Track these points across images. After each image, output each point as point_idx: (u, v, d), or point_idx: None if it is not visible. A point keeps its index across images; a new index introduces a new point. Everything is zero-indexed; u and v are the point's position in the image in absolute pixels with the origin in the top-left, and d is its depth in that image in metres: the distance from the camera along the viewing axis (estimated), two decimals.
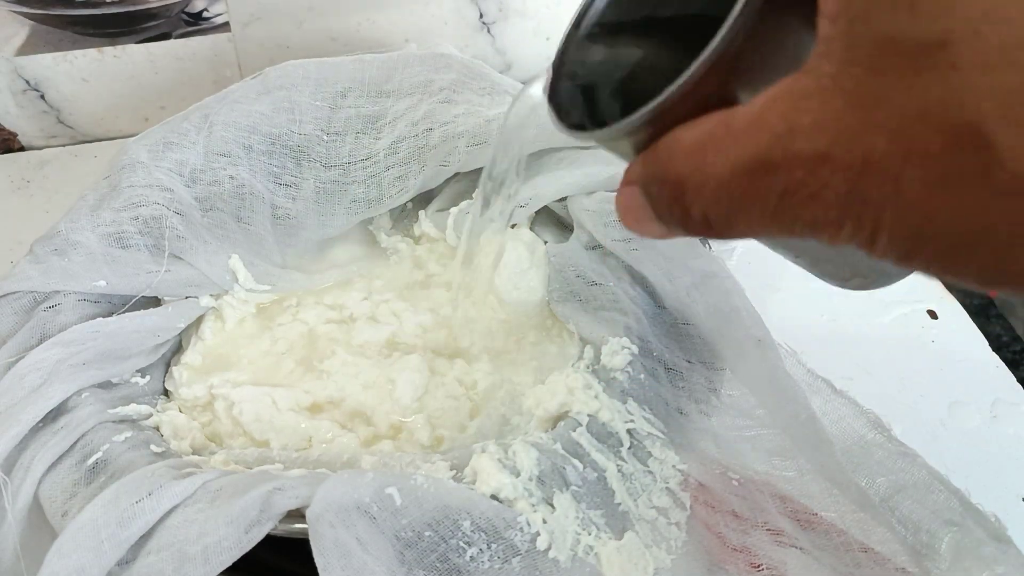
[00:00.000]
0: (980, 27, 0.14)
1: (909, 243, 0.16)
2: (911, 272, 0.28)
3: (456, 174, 0.47)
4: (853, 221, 0.17)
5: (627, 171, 0.22)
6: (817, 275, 0.30)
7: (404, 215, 0.51)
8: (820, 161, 0.17)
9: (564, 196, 0.45)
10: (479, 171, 0.39)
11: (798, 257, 0.29)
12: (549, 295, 0.44)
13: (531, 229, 0.48)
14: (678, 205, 0.20)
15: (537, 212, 0.47)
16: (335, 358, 0.43)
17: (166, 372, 0.44)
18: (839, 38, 0.17)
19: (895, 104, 0.16)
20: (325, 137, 0.48)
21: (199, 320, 0.45)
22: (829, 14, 0.17)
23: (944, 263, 0.16)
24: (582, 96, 0.26)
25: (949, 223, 0.16)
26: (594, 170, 0.44)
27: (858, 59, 0.16)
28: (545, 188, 0.44)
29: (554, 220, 0.48)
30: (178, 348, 0.45)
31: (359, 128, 0.48)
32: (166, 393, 0.43)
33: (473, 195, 0.46)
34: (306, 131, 0.48)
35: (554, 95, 0.26)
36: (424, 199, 0.50)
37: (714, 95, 0.20)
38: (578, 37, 0.26)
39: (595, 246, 0.42)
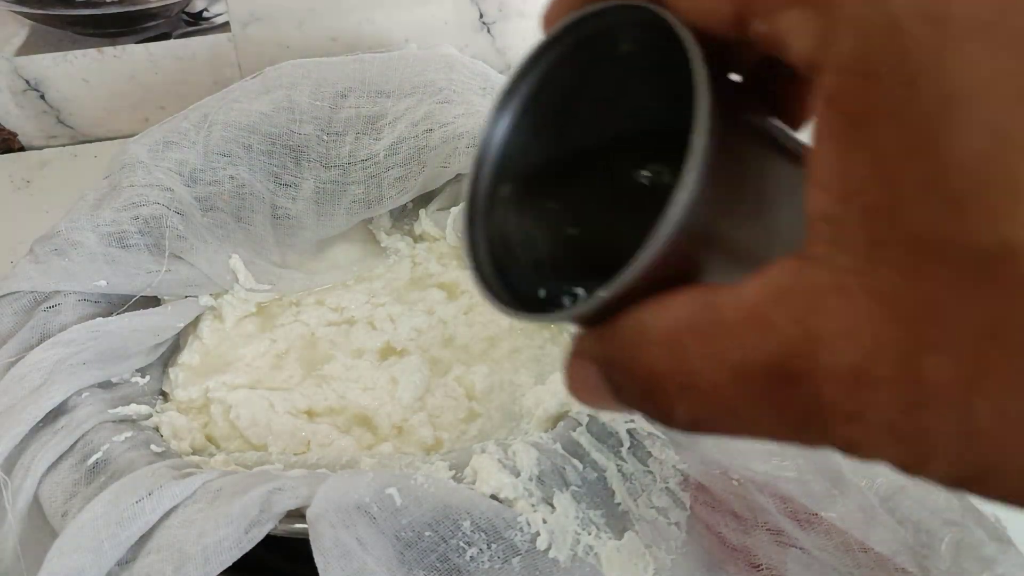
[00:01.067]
0: None
1: (969, 475, 0.14)
2: None
3: (457, 175, 0.47)
4: (904, 448, 0.14)
5: (578, 342, 0.19)
6: None
7: (404, 214, 0.51)
8: (858, 380, 0.14)
9: None
10: None
11: None
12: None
13: None
14: (652, 401, 0.17)
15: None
16: (335, 361, 0.43)
17: (164, 373, 0.44)
18: (854, 226, 0.14)
19: (952, 321, 0.13)
20: (325, 137, 0.48)
21: (197, 320, 0.45)
22: (830, 188, 0.14)
23: (1009, 496, 0.14)
24: (503, 250, 0.22)
25: None
26: None
27: (887, 259, 0.14)
28: None
29: None
30: (175, 349, 0.45)
31: (359, 128, 0.48)
32: (164, 394, 0.43)
33: None
34: (306, 131, 0.48)
35: (475, 254, 0.22)
36: (425, 198, 0.50)
37: (679, 267, 0.17)
38: (483, 180, 0.23)
39: None
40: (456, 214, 0.48)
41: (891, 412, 0.14)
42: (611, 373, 0.18)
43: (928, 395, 0.14)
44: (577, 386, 0.19)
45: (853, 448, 0.15)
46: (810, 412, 0.15)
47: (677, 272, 0.17)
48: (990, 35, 0.13)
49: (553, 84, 0.22)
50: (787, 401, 0.15)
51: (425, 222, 0.50)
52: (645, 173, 0.22)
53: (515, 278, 0.22)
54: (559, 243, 0.23)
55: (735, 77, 0.19)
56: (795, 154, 0.18)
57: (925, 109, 0.13)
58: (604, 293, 0.17)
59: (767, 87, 0.19)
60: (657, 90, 0.19)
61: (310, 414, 0.41)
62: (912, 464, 0.14)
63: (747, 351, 0.15)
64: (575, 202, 0.24)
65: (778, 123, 0.19)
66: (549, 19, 0.21)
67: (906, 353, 0.14)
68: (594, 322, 0.18)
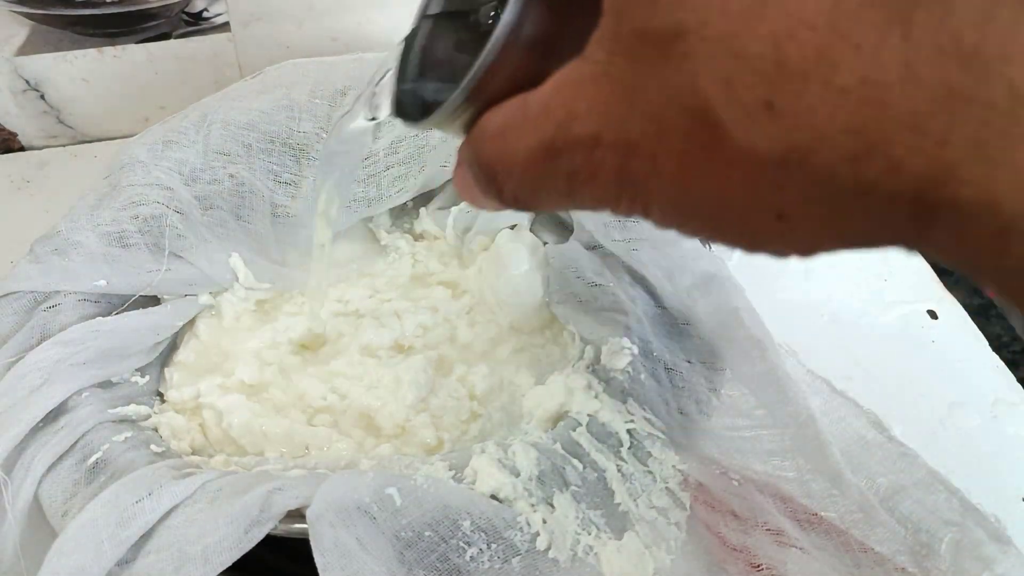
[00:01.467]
0: (705, 18, 0.16)
1: (676, 215, 0.18)
2: None
3: None
4: (628, 197, 0.19)
5: (459, 151, 0.24)
6: None
7: (404, 213, 0.51)
8: (593, 144, 0.18)
9: None
10: None
11: None
12: (549, 296, 0.44)
13: (531, 230, 0.48)
14: (492, 186, 0.22)
15: (537, 212, 0.47)
16: (339, 359, 0.43)
17: (161, 373, 0.44)
18: (608, 28, 0.18)
19: (650, 91, 0.17)
20: (324, 135, 0.48)
21: (195, 318, 0.45)
22: (607, 4, 0.19)
23: (709, 231, 0.18)
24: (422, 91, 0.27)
25: (702, 195, 0.18)
26: None
27: (621, 49, 0.18)
28: None
29: (555, 220, 0.48)
30: (173, 349, 0.45)
31: None
32: (161, 395, 0.43)
33: None
34: (305, 129, 0.48)
35: (403, 67, 0.27)
36: (425, 197, 0.50)
37: (519, 72, 0.21)
38: (419, 29, 0.27)
39: (595, 246, 0.42)
40: (456, 213, 0.48)
41: (614, 167, 0.18)
42: (471, 167, 0.22)
43: (632, 150, 0.18)
44: (460, 187, 0.24)
45: (602, 203, 0.19)
46: (571, 177, 0.19)
47: (513, 83, 0.21)
48: None
49: None
50: (558, 169, 0.19)
51: (425, 221, 0.50)
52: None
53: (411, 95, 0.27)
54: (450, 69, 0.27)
55: None
56: None
57: None
58: (452, 98, 0.21)
59: None
60: None
61: (308, 416, 0.41)
62: (641, 211, 0.19)
63: (536, 133, 0.20)
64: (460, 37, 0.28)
65: None
66: None
67: (622, 119, 0.18)
68: (463, 131, 0.23)
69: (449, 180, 0.48)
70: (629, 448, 0.35)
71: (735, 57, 0.16)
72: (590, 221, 0.42)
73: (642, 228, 0.40)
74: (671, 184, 0.18)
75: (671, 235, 0.38)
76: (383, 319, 0.45)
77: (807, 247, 0.18)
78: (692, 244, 0.39)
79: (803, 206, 0.16)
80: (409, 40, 0.28)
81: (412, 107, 0.26)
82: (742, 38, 0.16)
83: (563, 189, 0.20)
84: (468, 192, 0.24)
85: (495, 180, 0.21)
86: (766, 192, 0.17)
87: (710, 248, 0.42)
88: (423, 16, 0.28)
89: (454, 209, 0.48)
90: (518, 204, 0.22)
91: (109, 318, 0.41)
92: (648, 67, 0.17)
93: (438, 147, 0.46)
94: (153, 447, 0.37)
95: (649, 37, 0.17)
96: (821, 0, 0.15)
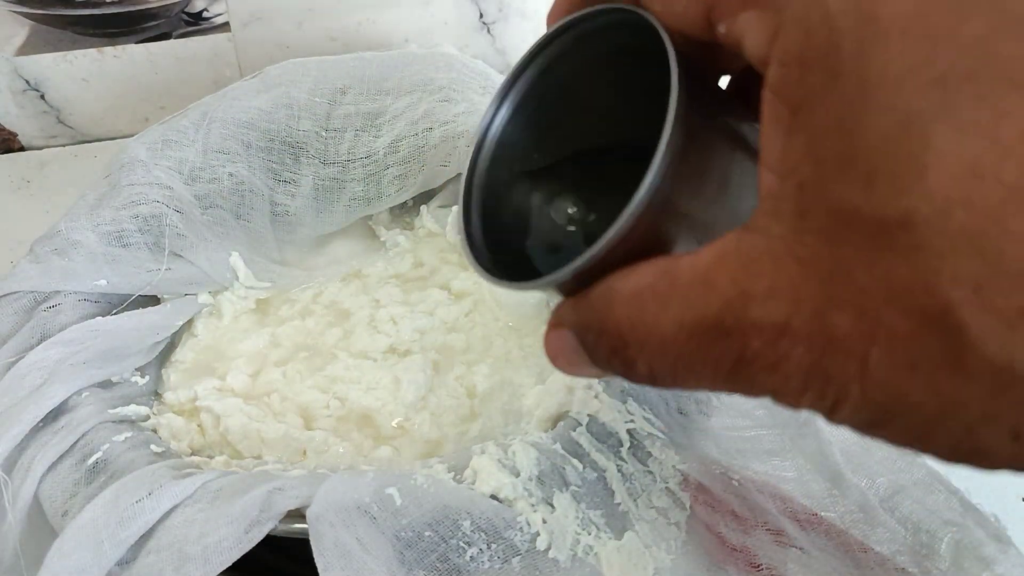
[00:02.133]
0: (944, 209, 0.14)
1: (874, 418, 0.16)
2: None
3: (458, 174, 0.47)
4: (815, 394, 0.16)
5: (556, 313, 0.22)
6: None
7: (404, 210, 0.51)
8: (779, 333, 0.16)
9: None
10: None
11: None
12: (550, 297, 0.44)
13: None
14: (618, 357, 0.19)
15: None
16: (338, 361, 0.43)
17: (159, 373, 0.44)
18: (788, 200, 0.16)
19: (858, 281, 0.15)
20: (324, 134, 0.48)
21: (194, 317, 0.45)
22: (774, 169, 0.17)
23: (911, 439, 0.16)
24: (495, 226, 0.25)
25: (918, 404, 0.15)
26: None
27: (812, 227, 0.16)
28: None
29: None
30: (171, 348, 0.45)
31: (359, 125, 0.48)
32: (159, 395, 0.43)
33: None
34: (304, 127, 0.48)
35: (468, 226, 0.24)
36: (426, 195, 0.50)
37: (647, 240, 0.19)
38: (481, 163, 0.25)
39: None
40: (456, 211, 0.48)
41: (805, 361, 0.16)
42: (584, 336, 0.20)
43: (834, 346, 0.16)
44: (556, 353, 0.22)
45: (777, 395, 0.17)
46: (740, 362, 0.17)
47: (645, 246, 0.19)
48: (909, 30, 0.15)
49: (549, 81, 0.25)
50: (722, 352, 0.17)
51: (426, 218, 0.50)
52: (626, 164, 0.23)
53: (505, 256, 0.25)
54: (545, 226, 0.26)
55: (723, 82, 0.21)
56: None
57: (849, 95, 0.15)
58: (579, 262, 0.19)
59: (749, 91, 0.21)
60: (642, 89, 0.21)
61: (307, 420, 0.41)
62: (826, 408, 0.16)
63: (694, 309, 0.17)
64: (562, 189, 0.26)
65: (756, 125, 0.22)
66: (552, 17, 0.23)
67: (818, 310, 0.16)
68: (571, 292, 0.21)
69: (450, 179, 0.48)
70: (629, 448, 0.35)
71: (987, 258, 0.14)
72: None
73: None
74: (878, 391, 0.15)
75: None
76: (379, 325, 0.45)
77: None
78: None
79: None
80: (471, 183, 0.25)
81: (496, 263, 0.24)
82: (994, 237, 0.14)
83: (724, 374, 0.17)
84: (568, 359, 0.21)
85: (623, 351, 0.19)
86: (1007, 409, 0.15)
87: None
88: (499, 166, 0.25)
89: (454, 208, 0.48)
90: (651, 381, 0.19)
91: (109, 318, 0.41)
92: (858, 254, 0.15)
93: (438, 146, 0.46)
94: (153, 447, 0.37)
95: (860, 221, 0.15)
96: None
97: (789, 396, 0.17)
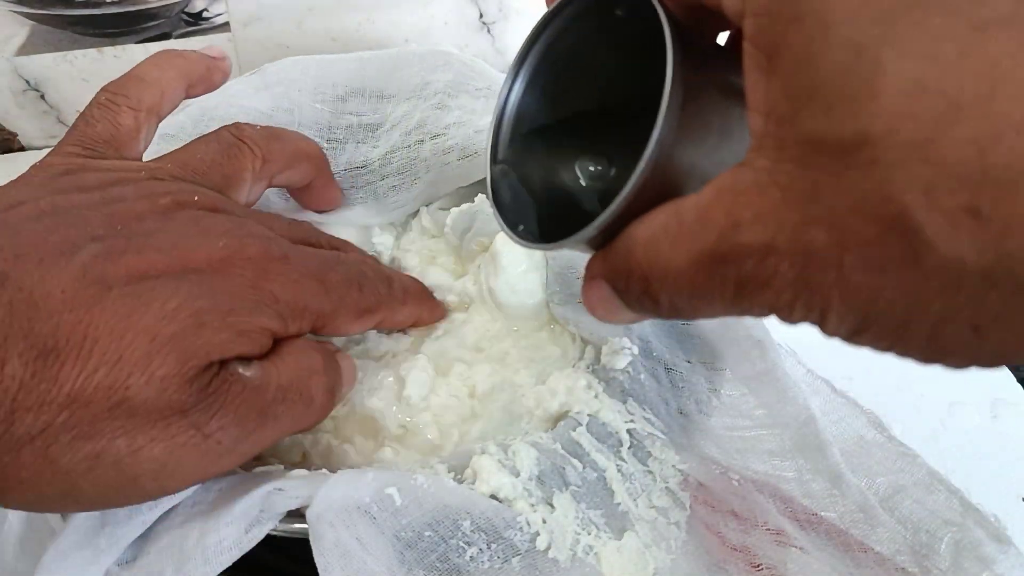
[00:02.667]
0: (893, 125, 0.16)
1: (856, 323, 0.18)
2: None
3: (457, 188, 0.47)
4: (804, 304, 0.18)
5: (589, 267, 0.24)
6: None
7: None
8: (766, 252, 0.18)
9: None
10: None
11: None
12: (549, 297, 0.44)
13: None
14: (647, 296, 0.22)
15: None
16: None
17: None
18: (770, 135, 0.18)
19: (828, 199, 0.17)
20: (326, 145, 0.48)
21: None
22: (758, 109, 0.19)
23: (888, 340, 0.18)
24: (522, 192, 0.27)
25: (889, 304, 0.17)
26: None
27: (789, 156, 0.18)
28: None
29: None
30: None
31: (360, 138, 0.49)
32: None
33: (476, 199, 0.46)
34: (306, 134, 0.48)
35: (496, 196, 0.27)
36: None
37: (660, 189, 0.21)
38: (503, 135, 0.28)
39: None
40: (456, 214, 0.48)
41: (791, 275, 0.18)
42: (615, 282, 0.23)
43: (813, 258, 0.17)
44: (594, 303, 0.24)
45: (774, 310, 0.19)
46: (740, 284, 0.19)
47: (659, 194, 0.21)
48: None
49: (557, 51, 0.27)
50: (725, 277, 0.19)
51: (425, 219, 0.50)
52: (637, 121, 0.25)
53: (529, 219, 0.27)
54: (568, 186, 0.28)
55: (722, 38, 0.23)
56: None
57: (811, 35, 0.17)
58: (601, 218, 0.21)
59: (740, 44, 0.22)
60: (644, 51, 0.22)
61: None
62: (816, 319, 0.18)
63: (697, 242, 0.19)
64: (580, 150, 0.28)
65: None
66: None
67: (797, 227, 0.17)
68: (599, 245, 0.23)
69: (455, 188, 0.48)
70: (629, 448, 0.35)
71: (933, 164, 0.15)
72: None
73: None
74: (856, 293, 0.17)
75: None
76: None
77: (995, 359, 0.17)
78: None
79: (1003, 318, 0.16)
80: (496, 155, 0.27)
81: (515, 206, 0.26)
82: (939, 144, 0.15)
83: (729, 297, 0.19)
84: (606, 306, 0.24)
85: (649, 289, 0.21)
86: (964, 304, 0.16)
87: None
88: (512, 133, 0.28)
89: (454, 210, 0.48)
90: (675, 313, 0.22)
91: None
92: (825, 174, 0.17)
93: (429, 159, 0.47)
94: None
95: (825, 145, 0.17)
96: None
97: (783, 310, 0.19)
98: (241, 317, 0.28)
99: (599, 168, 0.28)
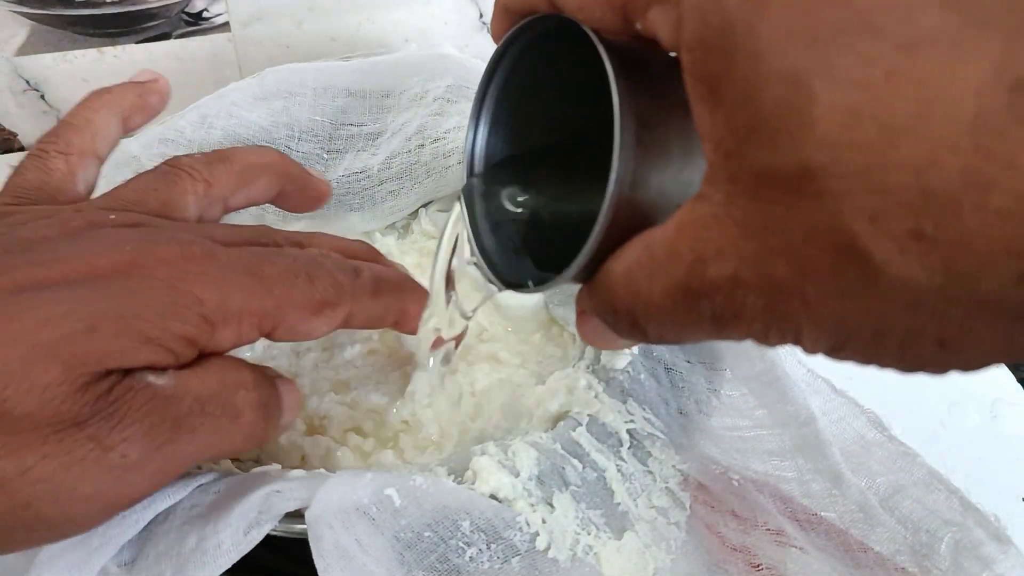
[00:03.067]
0: (834, 155, 0.16)
1: (830, 343, 0.18)
2: None
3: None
4: (777, 331, 0.18)
5: (578, 301, 0.24)
6: None
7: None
8: (733, 285, 0.18)
9: None
10: None
11: None
12: (548, 299, 0.44)
13: None
14: (636, 330, 0.22)
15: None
16: (346, 362, 0.43)
17: None
18: (720, 168, 0.18)
19: (782, 230, 0.17)
20: (325, 155, 0.48)
21: None
22: (708, 139, 0.18)
23: (864, 356, 0.18)
24: (506, 230, 0.28)
25: (857, 326, 0.17)
26: None
27: (740, 190, 0.18)
28: None
29: None
30: None
31: (360, 146, 0.49)
32: None
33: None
34: (304, 149, 0.48)
35: (479, 242, 0.27)
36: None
37: (631, 220, 0.21)
38: (476, 183, 0.28)
39: None
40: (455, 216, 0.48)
41: (759, 306, 0.18)
42: (603, 316, 0.23)
43: (778, 289, 0.18)
44: (588, 335, 0.25)
45: (751, 337, 0.19)
46: (715, 317, 0.19)
47: (631, 225, 0.21)
48: (786, 1, 0.16)
49: (511, 90, 0.27)
50: (701, 310, 0.19)
51: (424, 220, 0.50)
52: (592, 155, 0.26)
53: (504, 261, 0.27)
54: (536, 224, 0.28)
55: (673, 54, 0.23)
56: None
57: (746, 68, 0.17)
58: (577, 260, 0.22)
59: None
60: (596, 82, 0.22)
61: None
62: (793, 342, 0.19)
63: (670, 276, 0.20)
64: (544, 187, 0.29)
65: None
66: (495, 35, 0.26)
67: (758, 260, 0.18)
68: (583, 279, 0.23)
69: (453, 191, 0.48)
70: (629, 448, 0.35)
71: (875, 191, 0.15)
72: None
73: None
74: (822, 320, 0.17)
75: None
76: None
77: (972, 366, 0.17)
78: None
79: (968, 331, 0.16)
80: (469, 200, 0.28)
81: (511, 272, 0.27)
82: (878, 171, 0.15)
83: (708, 329, 0.20)
84: (602, 339, 0.24)
85: (636, 324, 0.22)
86: (926, 321, 0.16)
87: None
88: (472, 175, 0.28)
89: (454, 212, 0.48)
90: (664, 341, 0.22)
91: None
92: (776, 207, 0.17)
93: (429, 163, 0.47)
94: None
95: (772, 178, 0.17)
96: (959, 121, 0.14)
97: (760, 338, 0.19)
98: (149, 323, 0.25)
99: (577, 203, 0.28)
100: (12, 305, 0.24)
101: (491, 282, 0.26)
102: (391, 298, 0.34)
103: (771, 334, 0.19)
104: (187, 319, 0.26)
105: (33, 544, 0.26)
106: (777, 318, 0.18)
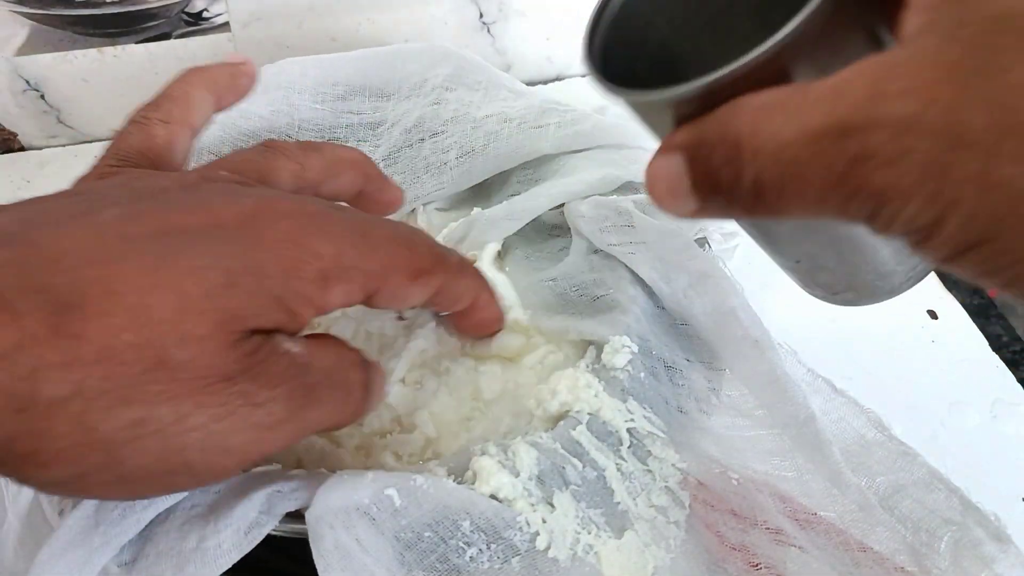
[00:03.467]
0: None
1: (977, 233, 0.16)
2: (900, 293, 0.28)
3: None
4: (927, 195, 0.16)
5: (669, 137, 0.21)
6: (808, 286, 0.30)
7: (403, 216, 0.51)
8: (906, 127, 0.16)
9: (559, 204, 0.45)
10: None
11: (797, 262, 0.29)
12: (550, 319, 0.43)
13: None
14: (731, 167, 0.19)
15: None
16: None
17: None
18: (946, 17, 0.17)
19: (1002, 79, 0.15)
20: None
21: None
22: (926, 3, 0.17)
23: (1003, 263, 0.16)
24: (621, 52, 0.25)
25: None
26: (586, 175, 0.44)
27: (965, 35, 0.16)
28: (536, 200, 0.44)
29: (532, 225, 0.47)
30: None
31: (361, 136, 0.49)
32: None
33: (473, 211, 0.46)
34: (306, 139, 0.48)
35: (592, 46, 0.24)
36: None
37: (778, 76, 0.19)
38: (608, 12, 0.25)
39: (594, 251, 0.42)
40: (452, 227, 0.48)
41: (929, 155, 0.16)
42: (698, 150, 0.20)
43: (962, 141, 0.16)
44: (657, 178, 0.22)
45: (883, 200, 0.17)
46: (855, 160, 0.17)
47: (774, 78, 0.19)
48: None
49: None
50: (839, 152, 0.17)
51: (421, 218, 0.50)
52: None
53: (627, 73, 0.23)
54: (669, 56, 0.26)
55: None
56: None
57: None
58: (719, 73, 0.19)
59: None
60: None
61: None
62: (931, 220, 0.16)
63: (820, 115, 0.17)
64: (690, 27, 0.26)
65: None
66: None
67: (952, 106, 0.16)
68: (693, 115, 0.20)
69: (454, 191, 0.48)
70: (629, 447, 0.35)
71: None
72: (586, 227, 0.42)
73: (636, 232, 0.40)
74: (996, 189, 0.16)
75: (667, 237, 0.38)
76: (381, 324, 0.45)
77: None
78: (686, 243, 0.39)
79: None
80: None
81: (611, 61, 0.24)
82: None
83: (836, 175, 0.17)
84: (665, 183, 0.21)
85: (737, 159, 0.19)
86: None
87: (709, 247, 0.42)
88: None
89: (451, 224, 0.48)
90: (753, 193, 0.19)
91: None
92: (1007, 55, 0.15)
93: (428, 158, 0.47)
94: None
95: (1016, 22, 0.16)
96: None
97: (895, 199, 0.17)
98: (275, 280, 0.26)
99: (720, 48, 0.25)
100: (155, 252, 0.24)
101: (596, 76, 0.23)
102: (472, 281, 0.36)
103: (915, 196, 0.16)
104: (306, 275, 0.27)
105: (168, 491, 0.28)
106: (940, 176, 0.16)
